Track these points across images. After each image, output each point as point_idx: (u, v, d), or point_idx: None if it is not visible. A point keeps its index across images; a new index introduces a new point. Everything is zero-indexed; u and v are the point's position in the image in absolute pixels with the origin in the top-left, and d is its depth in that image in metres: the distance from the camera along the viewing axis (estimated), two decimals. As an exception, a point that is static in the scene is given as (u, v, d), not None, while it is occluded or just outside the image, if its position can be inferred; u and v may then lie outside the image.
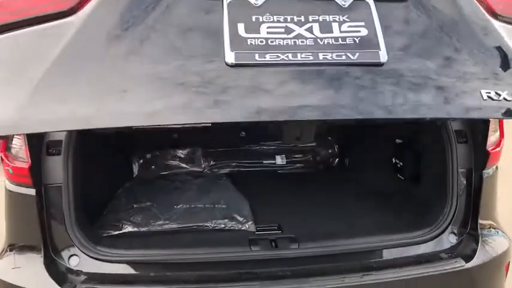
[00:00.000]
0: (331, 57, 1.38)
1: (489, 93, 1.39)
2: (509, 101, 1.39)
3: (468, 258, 1.98)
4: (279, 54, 1.36)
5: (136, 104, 1.27)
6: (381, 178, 2.97)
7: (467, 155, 2.14)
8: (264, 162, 3.70)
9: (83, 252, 1.86)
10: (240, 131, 3.68)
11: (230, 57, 1.34)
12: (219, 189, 2.85)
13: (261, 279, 1.82)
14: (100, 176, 2.52)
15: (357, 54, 1.39)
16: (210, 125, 1.65)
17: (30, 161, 1.85)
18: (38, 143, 1.88)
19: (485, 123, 2.08)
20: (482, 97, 1.39)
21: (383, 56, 1.40)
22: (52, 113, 1.24)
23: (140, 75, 1.31)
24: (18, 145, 1.89)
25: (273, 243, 2.01)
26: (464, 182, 2.13)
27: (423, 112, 1.37)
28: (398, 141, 2.87)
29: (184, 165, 3.54)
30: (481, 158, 2.11)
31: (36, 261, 1.84)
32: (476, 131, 2.13)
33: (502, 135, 2.18)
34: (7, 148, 1.92)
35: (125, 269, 1.88)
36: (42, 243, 1.86)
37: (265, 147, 3.75)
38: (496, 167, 2.22)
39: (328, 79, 1.37)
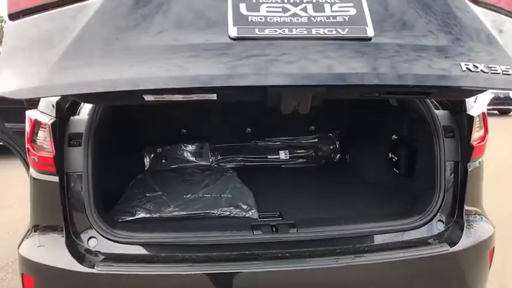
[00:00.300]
0: (323, 32, 1.54)
1: (468, 65, 1.54)
2: (486, 72, 1.54)
3: (453, 243, 2.13)
4: (276, 29, 1.53)
5: (151, 70, 1.46)
6: (378, 172, 3.15)
7: (454, 149, 2.31)
8: (269, 157, 3.91)
9: (101, 235, 2.05)
10: (246, 128, 3.87)
11: (233, 31, 1.51)
12: (226, 181, 3.05)
13: (262, 260, 2.00)
14: (115, 168, 2.71)
15: (347, 29, 1.56)
16: (216, 98, 1.82)
17: (54, 151, 2.04)
18: (60, 135, 2.08)
19: (470, 119, 2.25)
20: (462, 68, 1.54)
21: (370, 31, 1.56)
22: (75, 78, 1.43)
23: (154, 45, 1.49)
24: (43, 137, 2.08)
25: (274, 228, 2.19)
26: (451, 173, 2.29)
27: (406, 79, 1.52)
28: (394, 137, 3.04)
29: (192, 159, 3.75)
30: (466, 151, 2.27)
31: (58, 241, 2.02)
32: (462, 126, 2.29)
33: (486, 131, 2.34)
34: (33, 140, 2.10)
35: (139, 250, 2.05)
36: (64, 225, 2.04)
37: (269, 143, 3.96)
38: (481, 160, 2.38)
39: (320, 51, 1.53)
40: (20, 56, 1.56)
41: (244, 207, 2.49)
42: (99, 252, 2.02)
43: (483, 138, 2.33)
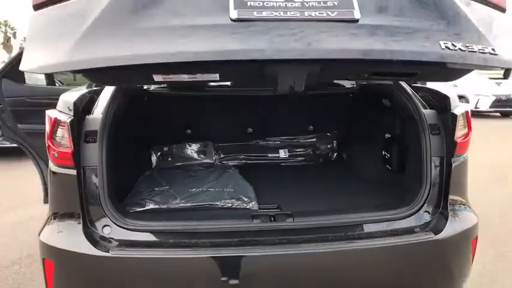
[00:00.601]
0: (315, 14, 1.73)
1: (447, 43, 1.71)
2: (464, 51, 1.71)
3: (438, 231, 2.30)
4: (272, 12, 1.72)
5: (157, 47, 1.64)
6: (373, 169, 3.34)
7: (439, 145, 2.48)
8: (269, 155, 4.09)
9: (114, 223, 2.22)
10: (247, 128, 4.07)
11: (234, 14, 1.70)
12: (228, 177, 3.24)
13: (261, 245, 2.18)
14: (126, 163, 2.91)
15: (336, 12, 1.74)
16: (218, 78, 2.02)
17: (72, 147, 2.22)
18: (78, 132, 2.26)
19: (454, 117, 2.43)
20: (441, 46, 1.71)
21: (357, 14, 1.75)
22: (90, 55, 1.63)
23: (161, 27, 1.68)
24: (62, 134, 2.26)
25: (272, 218, 2.37)
26: (437, 168, 2.47)
27: (389, 55, 1.70)
28: (387, 136, 3.23)
29: (197, 157, 3.93)
30: (450, 147, 2.45)
31: (76, 228, 2.20)
32: (447, 124, 2.47)
33: (469, 128, 2.51)
34: (53, 137, 2.29)
35: (149, 237, 2.23)
36: (81, 214, 2.22)
37: (270, 143, 4.14)
38: (466, 156, 2.55)
39: (311, 30, 1.70)
40: (42, 40, 1.79)
41: (245, 199, 2.68)
42: (113, 238, 2.19)
43: (466, 135, 2.50)
